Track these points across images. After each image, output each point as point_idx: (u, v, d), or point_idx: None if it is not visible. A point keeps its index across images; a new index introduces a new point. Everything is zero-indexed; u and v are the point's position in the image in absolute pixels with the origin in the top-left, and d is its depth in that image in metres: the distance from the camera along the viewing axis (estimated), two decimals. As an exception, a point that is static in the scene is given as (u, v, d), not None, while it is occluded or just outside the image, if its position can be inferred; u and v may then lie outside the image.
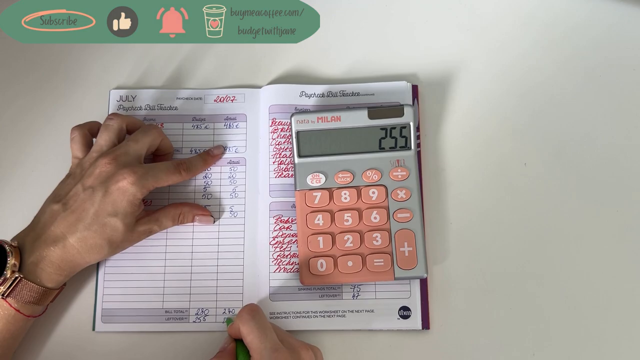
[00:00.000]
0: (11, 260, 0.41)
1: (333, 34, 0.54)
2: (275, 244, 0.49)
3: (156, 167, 0.46)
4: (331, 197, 0.48)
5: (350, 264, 0.46)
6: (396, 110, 0.47)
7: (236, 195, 0.50)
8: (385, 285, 0.47)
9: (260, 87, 0.53)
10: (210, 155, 0.50)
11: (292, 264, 0.48)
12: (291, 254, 0.48)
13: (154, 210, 0.48)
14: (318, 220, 0.47)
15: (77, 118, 0.50)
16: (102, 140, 0.47)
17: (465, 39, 0.54)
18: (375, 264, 0.46)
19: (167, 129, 0.52)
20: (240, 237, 0.49)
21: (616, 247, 0.49)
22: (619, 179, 0.50)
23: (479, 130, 0.51)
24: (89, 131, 0.49)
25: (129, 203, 0.44)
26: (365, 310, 0.47)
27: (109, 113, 0.51)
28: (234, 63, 0.54)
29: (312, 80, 0.53)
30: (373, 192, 0.47)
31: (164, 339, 0.48)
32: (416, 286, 0.47)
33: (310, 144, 0.48)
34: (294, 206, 0.49)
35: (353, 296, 0.47)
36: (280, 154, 0.51)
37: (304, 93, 0.52)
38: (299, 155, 0.48)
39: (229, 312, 0.48)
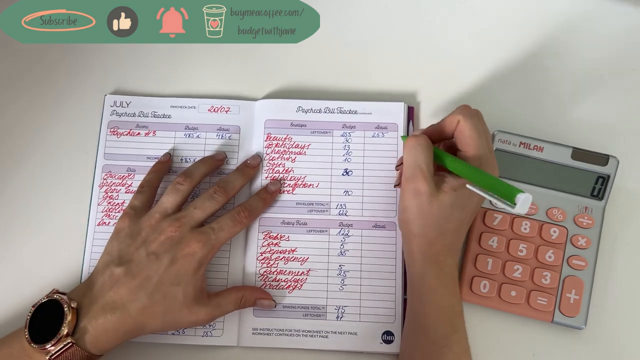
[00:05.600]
0: (67, 322, 0.40)
1: (334, 46, 0.54)
2: (263, 259, 0.48)
3: (219, 226, 0.45)
4: (511, 224, 0.47)
5: (513, 294, 0.46)
6: (601, 158, 0.47)
7: (225, 207, 0.49)
8: (370, 309, 0.47)
9: (256, 99, 0.52)
10: (269, 192, 0.49)
11: (277, 280, 0.48)
12: (277, 270, 0.48)
13: (215, 293, 0.45)
14: (492, 241, 0.47)
15: (74, 119, 0.52)
16: (168, 203, 0.45)
17: (468, 60, 0.54)
18: (538, 301, 0.46)
19: (159, 137, 0.51)
20: (227, 250, 0.49)
21: None
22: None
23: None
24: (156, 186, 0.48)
25: (194, 270, 0.43)
26: (349, 332, 0.47)
27: (170, 176, 0.49)
28: (233, 70, 0.54)
29: (310, 95, 0.52)
30: (554, 231, 0.47)
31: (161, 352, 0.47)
32: (400, 311, 0.47)
33: (503, 165, 0.47)
34: (283, 222, 0.49)
35: (337, 317, 0.47)
36: (274, 169, 0.50)
37: (300, 108, 0.51)
38: None
39: (209, 326, 0.47)
